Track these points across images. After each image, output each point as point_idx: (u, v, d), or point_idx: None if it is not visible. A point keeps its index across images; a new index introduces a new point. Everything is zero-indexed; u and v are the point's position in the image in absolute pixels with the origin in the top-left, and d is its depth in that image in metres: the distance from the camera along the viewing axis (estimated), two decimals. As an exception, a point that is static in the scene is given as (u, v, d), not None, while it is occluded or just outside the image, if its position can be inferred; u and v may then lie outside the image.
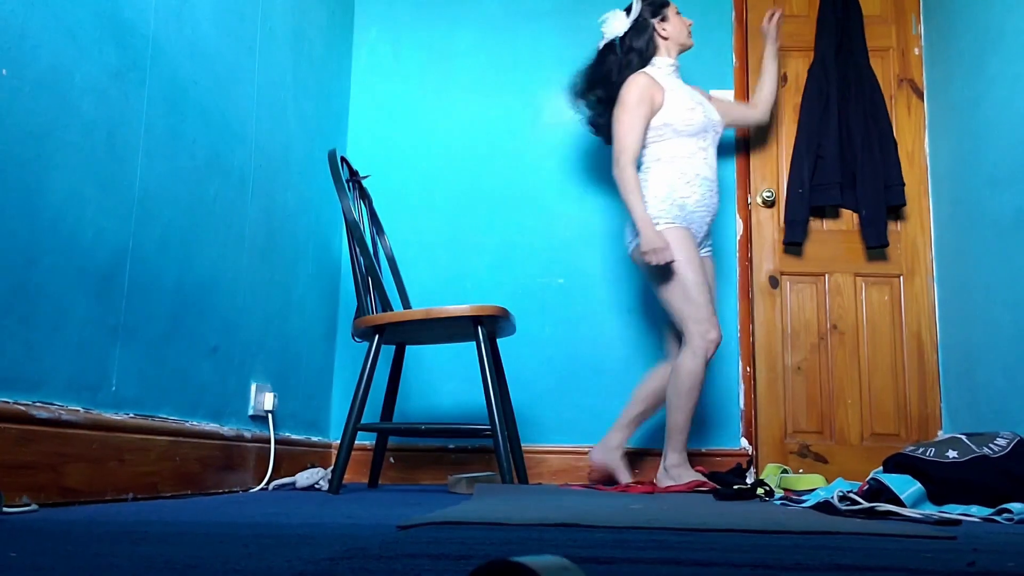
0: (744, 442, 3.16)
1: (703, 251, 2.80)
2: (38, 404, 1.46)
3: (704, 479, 2.55)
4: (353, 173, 2.73)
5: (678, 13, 2.86)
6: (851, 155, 3.19)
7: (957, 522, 1.45)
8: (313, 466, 2.79)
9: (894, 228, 3.29)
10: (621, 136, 2.70)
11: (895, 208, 3.24)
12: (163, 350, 1.90)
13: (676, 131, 2.71)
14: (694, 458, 3.12)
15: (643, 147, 2.76)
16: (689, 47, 2.87)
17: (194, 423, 2.02)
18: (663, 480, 2.62)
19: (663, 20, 2.85)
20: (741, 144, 3.37)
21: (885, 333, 3.22)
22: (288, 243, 2.70)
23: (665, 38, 2.86)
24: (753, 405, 3.19)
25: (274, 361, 2.57)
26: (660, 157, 2.72)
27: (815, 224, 3.31)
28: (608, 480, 2.78)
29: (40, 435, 1.43)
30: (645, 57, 2.84)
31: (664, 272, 2.61)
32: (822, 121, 3.20)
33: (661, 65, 2.83)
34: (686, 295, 2.59)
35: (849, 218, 3.30)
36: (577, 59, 3.43)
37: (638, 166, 2.76)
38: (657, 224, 2.63)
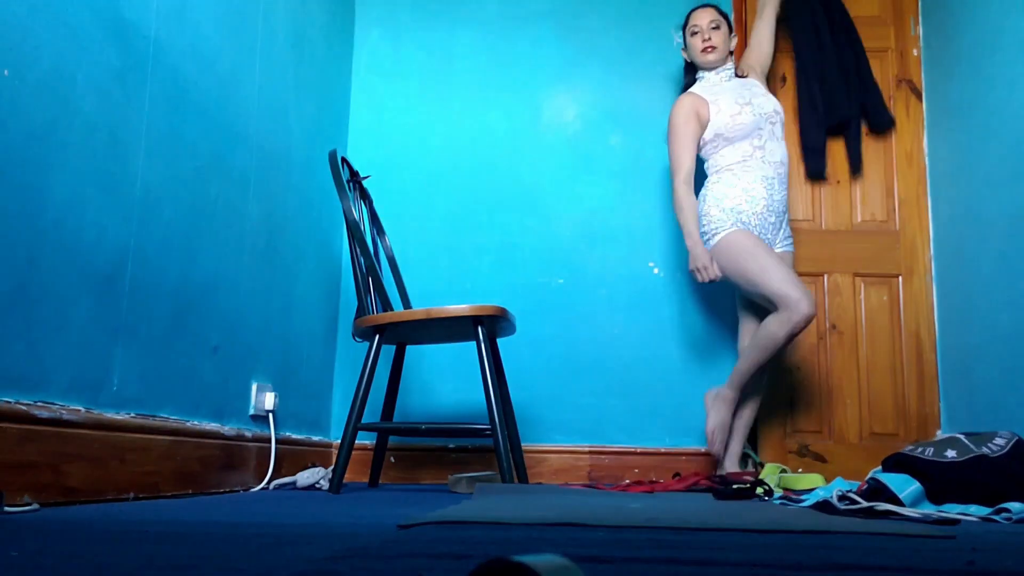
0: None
1: (780, 247, 2.80)
2: (39, 404, 1.46)
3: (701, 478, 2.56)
4: (354, 173, 2.73)
5: (693, 34, 2.89)
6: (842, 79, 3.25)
7: (956, 521, 1.45)
8: (314, 466, 2.79)
9: (892, 227, 3.29)
10: (673, 158, 2.78)
11: (881, 132, 3.32)
12: (164, 350, 1.90)
13: (727, 139, 2.76)
14: (694, 458, 3.13)
15: (705, 160, 2.84)
16: (709, 63, 2.86)
17: (195, 423, 2.02)
18: (708, 397, 2.76)
19: (684, 43, 2.97)
20: (741, 144, 3.37)
21: (884, 333, 3.23)
22: (289, 243, 2.70)
23: (688, 60, 2.97)
24: (753, 405, 3.19)
25: (275, 361, 2.57)
26: (719, 168, 2.77)
27: (815, 224, 3.31)
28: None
29: (41, 434, 1.43)
30: (687, 81, 2.96)
31: (740, 271, 2.64)
32: (818, 49, 3.25)
33: (708, 78, 2.89)
34: (768, 275, 2.56)
35: (848, 218, 3.31)
36: (577, 59, 3.44)
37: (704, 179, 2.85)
38: (717, 233, 2.69)
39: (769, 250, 2.64)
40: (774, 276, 2.56)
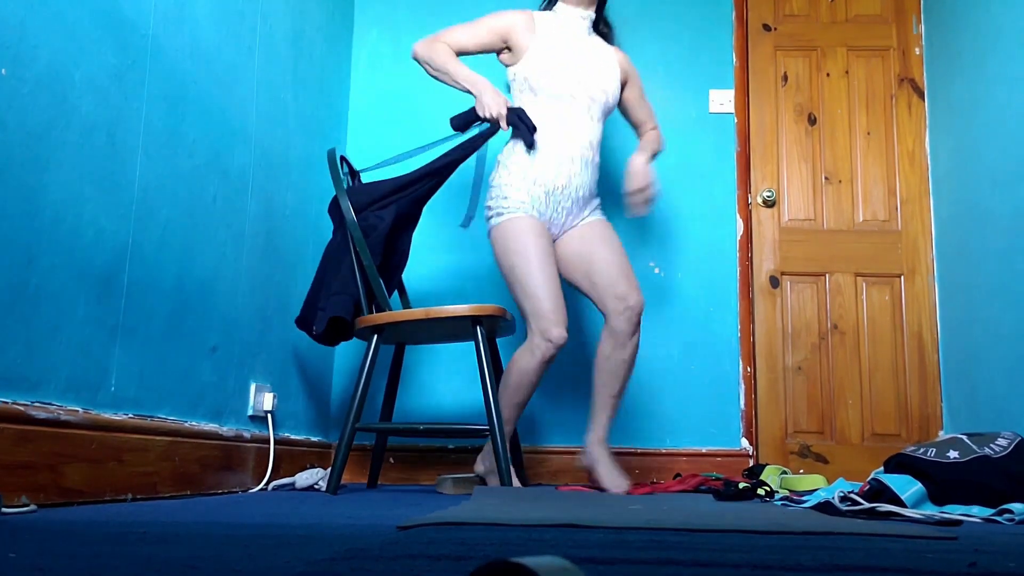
0: (744, 442, 3.16)
1: (583, 220, 2.46)
2: (37, 404, 1.45)
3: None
4: (354, 172, 2.72)
5: None
6: None
7: (958, 522, 1.45)
8: (312, 466, 2.79)
9: (894, 226, 3.28)
10: (458, 27, 2.42)
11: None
12: (162, 350, 1.89)
13: (532, 88, 2.38)
14: (694, 459, 3.12)
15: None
16: None
17: (193, 423, 2.01)
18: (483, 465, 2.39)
19: None
20: (741, 144, 3.36)
21: (886, 333, 3.22)
22: (288, 242, 2.70)
23: None
24: (753, 405, 3.19)
25: (274, 361, 2.57)
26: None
27: (816, 223, 3.31)
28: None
29: (39, 435, 1.43)
30: (544, 6, 2.56)
31: (507, 268, 2.32)
32: None
33: (563, 13, 2.46)
34: (529, 283, 2.27)
35: (850, 217, 3.30)
36: (577, 59, 3.43)
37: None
38: (503, 213, 2.35)
39: (545, 253, 2.32)
40: (535, 286, 2.26)
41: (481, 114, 2.33)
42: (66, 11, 1.55)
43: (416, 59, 2.44)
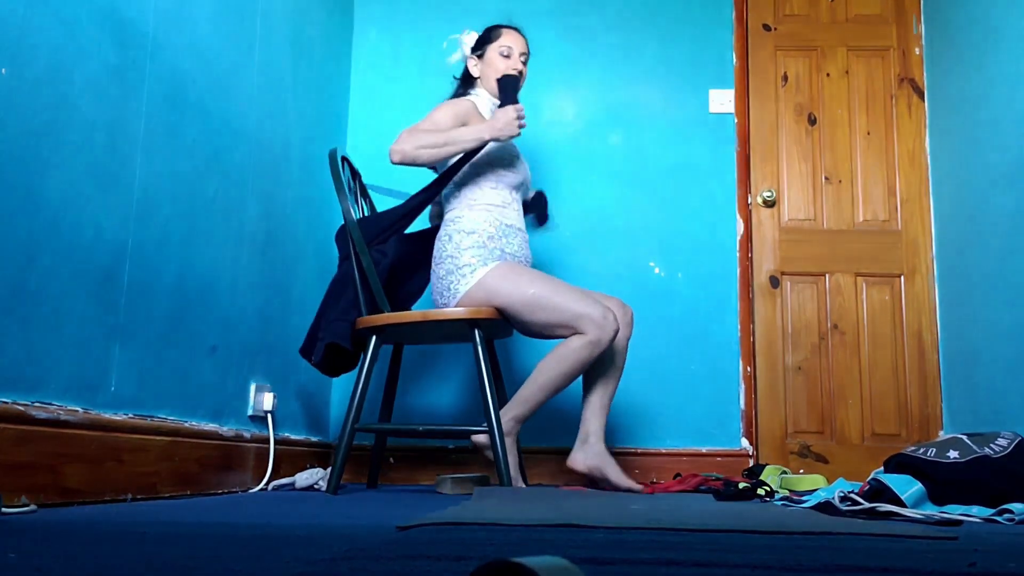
0: (744, 442, 3.16)
1: None
2: (37, 404, 1.45)
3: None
4: (355, 172, 2.72)
5: (504, 55, 2.53)
6: None
7: (958, 522, 1.45)
8: (312, 466, 2.79)
9: (894, 226, 3.28)
10: (427, 119, 2.37)
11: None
12: (162, 350, 1.89)
13: (495, 175, 2.46)
14: (694, 459, 3.12)
15: (455, 188, 2.47)
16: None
17: (193, 423, 2.01)
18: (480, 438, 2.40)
19: (477, 55, 2.59)
20: (741, 144, 3.36)
21: (886, 333, 3.22)
22: (288, 242, 2.70)
23: (474, 75, 2.58)
24: (754, 405, 3.19)
25: (274, 361, 2.56)
26: (475, 201, 2.44)
27: (816, 223, 3.31)
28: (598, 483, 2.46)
29: (39, 435, 1.43)
30: (460, 93, 2.61)
31: (526, 298, 2.32)
32: None
33: (486, 106, 2.54)
34: (563, 294, 2.31)
35: (850, 217, 3.30)
36: (577, 58, 3.43)
37: (443, 212, 2.53)
38: (479, 267, 2.36)
39: (545, 275, 2.38)
40: (570, 295, 2.30)
41: (504, 140, 2.36)
42: (66, 10, 1.55)
43: (404, 157, 2.30)
